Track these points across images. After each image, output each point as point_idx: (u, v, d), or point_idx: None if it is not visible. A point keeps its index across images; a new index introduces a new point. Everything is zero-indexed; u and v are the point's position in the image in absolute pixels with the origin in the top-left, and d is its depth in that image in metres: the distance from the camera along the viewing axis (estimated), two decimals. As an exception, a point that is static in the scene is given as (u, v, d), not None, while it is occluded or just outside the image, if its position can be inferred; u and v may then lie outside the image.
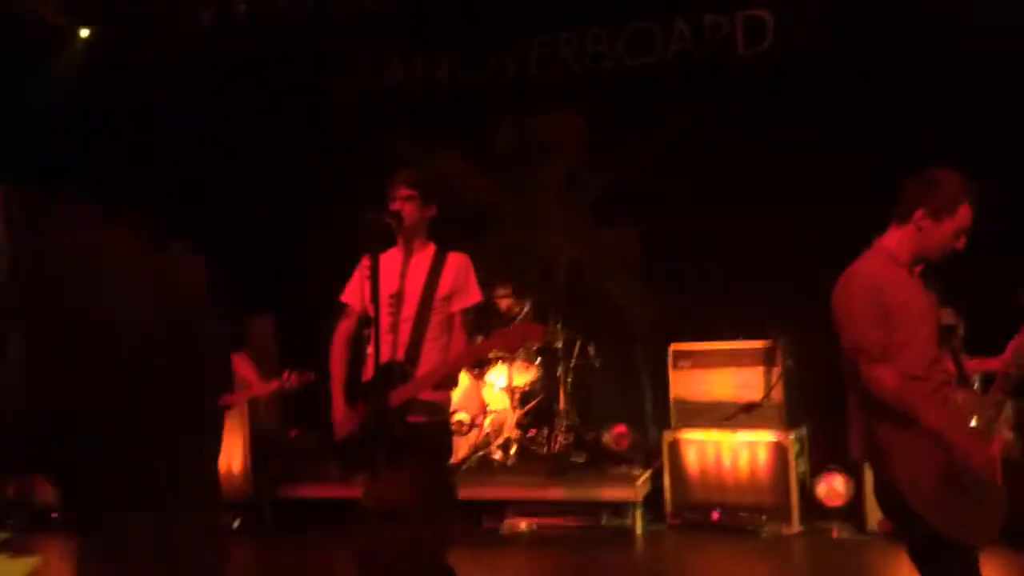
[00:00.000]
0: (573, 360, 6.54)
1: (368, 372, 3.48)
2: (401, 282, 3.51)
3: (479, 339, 3.50)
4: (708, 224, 6.57)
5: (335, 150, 7.23)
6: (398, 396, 3.34)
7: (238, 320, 6.19)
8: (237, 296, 6.87)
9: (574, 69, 7.08)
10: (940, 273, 3.08)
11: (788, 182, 6.23)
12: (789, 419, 5.59)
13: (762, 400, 5.54)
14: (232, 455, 6.46)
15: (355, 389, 3.53)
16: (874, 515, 5.26)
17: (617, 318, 7.00)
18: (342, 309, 3.69)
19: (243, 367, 5.71)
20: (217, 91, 7.30)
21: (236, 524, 6.11)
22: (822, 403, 5.78)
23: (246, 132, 7.31)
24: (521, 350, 6.28)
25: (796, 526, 5.40)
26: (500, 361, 6.28)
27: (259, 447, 6.49)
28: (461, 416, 5.78)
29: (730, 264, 6.61)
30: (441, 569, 3.42)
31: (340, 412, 3.51)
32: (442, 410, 3.54)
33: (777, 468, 5.47)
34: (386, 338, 3.44)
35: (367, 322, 3.60)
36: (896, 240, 2.96)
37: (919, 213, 2.89)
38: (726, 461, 5.61)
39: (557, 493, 5.71)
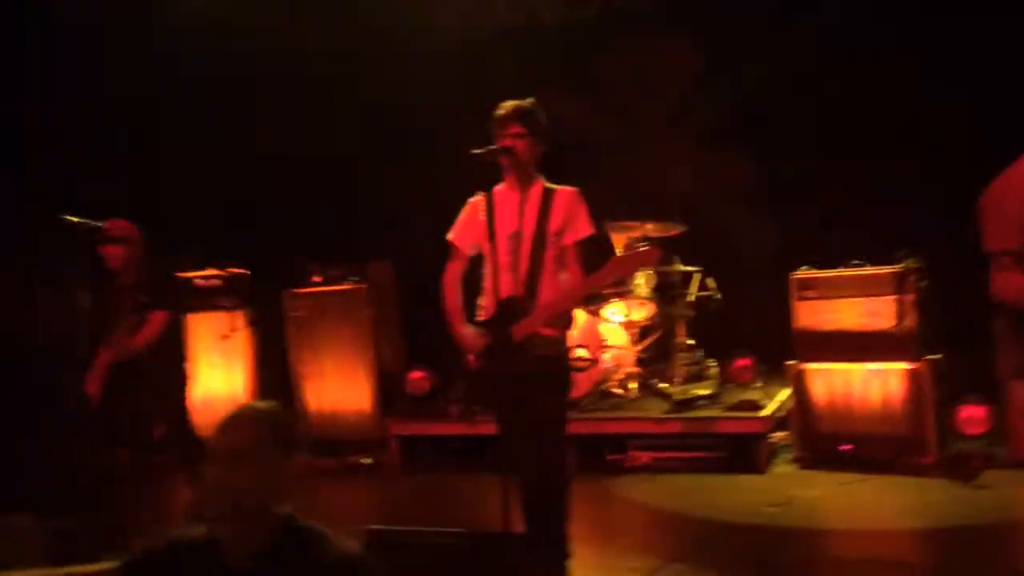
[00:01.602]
0: (693, 294, 6.43)
1: (488, 310, 3.51)
2: (520, 221, 3.50)
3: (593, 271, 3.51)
4: (829, 147, 6.29)
5: (440, 91, 7.22)
6: (519, 331, 3.36)
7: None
8: (355, 243, 7.10)
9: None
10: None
11: (916, 100, 5.90)
12: (924, 346, 5.34)
13: (894, 327, 5.31)
14: (360, 396, 6.69)
15: (476, 327, 3.56)
16: (1018, 444, 5.01)
17: (736, 248, 6.83)
18: (450, 249, 3.70)
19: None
20: (320, 38, 7.36)
21: (368, 462, 6.35)
22: (959, 329, 5.51)
23: (350, 78, 7.37)
24: (636, 286, 6.23)
25: (933, 457, 5.20)
26: (617, 297, 6.23)
27: (384, 388, 6.69)
28: (581, 352, 5.78)
29: (853, 190, 6.35)
30: (562, 498, 3.46)
31: (472, 338, 3.51)
32: (562, 344, 3.54)
33: (912, 397, 5.26)
34: (505, 277, 3.46)
35: (479, 262, 3.62)
36: None
37: None
38: (856, 392, 5.42)
39: (679, 427, 5.68)
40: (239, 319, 6.87)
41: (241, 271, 6.96)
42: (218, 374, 7.01)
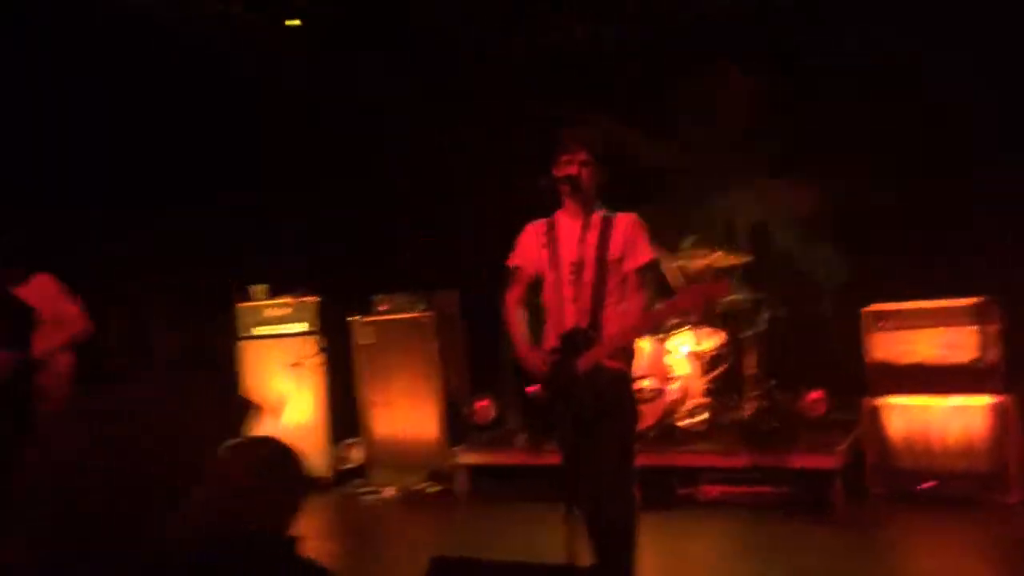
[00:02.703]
0: (764, 324, 6.30)
1: (550, 340, 3.49)
2: (581, 249, 3.48)
3: (660, 301, 3.45)
4: (899, 178, 6.17)
5: (502, 119, 7.26)
6: (584, 362, 3.33)
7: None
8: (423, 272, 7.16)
9: (745, 23, 6.76)
10: None
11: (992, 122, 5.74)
12: (1009, 380, 5.13)
13: (976, 360, 5.11)
14: (427, 424, 6.71)
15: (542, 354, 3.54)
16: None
17: (807, 278, 6.69)
18: (511, 274, 3.67)
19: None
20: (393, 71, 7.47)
21: (434, 491, 6.35)
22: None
23: (418, 112, 7.46)
24: (705, 315, 6.13)
25: (1018, 495, 4.98)
26: (685, 327, 6.14)
27: (451, 416, 6.69)
28: (647, 383, 5.71)
29: (928, 218, 6.19)
30: (628, 531, 3.41)
31: (539, 362, 3.45)
32: (627, 376, 3.50)
33: (995, 433, 5.05)
34: (568, 306, 3.44)
35: (539, 289, 3.60)
36: None
37: None
38: (934, 427, 5.23)
39: (750, 460, 5.54)
40: (310, 346, 6.96)
41: (311, 298, 7.06)
42: (289, 402, 7.11)
